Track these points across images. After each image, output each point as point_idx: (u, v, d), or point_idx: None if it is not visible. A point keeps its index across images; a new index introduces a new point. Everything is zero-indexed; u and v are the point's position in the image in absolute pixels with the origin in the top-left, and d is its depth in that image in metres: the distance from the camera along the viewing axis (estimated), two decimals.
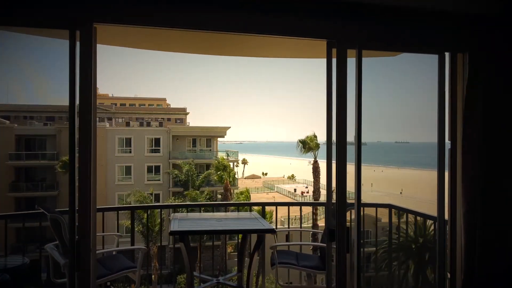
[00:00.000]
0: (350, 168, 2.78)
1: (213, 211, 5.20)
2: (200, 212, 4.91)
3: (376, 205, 4.39)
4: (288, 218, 5.06)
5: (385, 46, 2.82)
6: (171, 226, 3.50)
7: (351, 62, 2.93)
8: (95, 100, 2.50)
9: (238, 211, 5.19)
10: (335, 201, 2.73)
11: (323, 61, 2.80)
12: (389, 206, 4.33)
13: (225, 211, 5.39)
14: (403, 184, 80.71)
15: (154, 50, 4.02)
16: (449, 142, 3.01)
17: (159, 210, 30.97)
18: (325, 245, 3.50)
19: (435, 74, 3.05)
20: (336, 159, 2.68)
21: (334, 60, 2.74)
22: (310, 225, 23.76)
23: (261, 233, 3.55)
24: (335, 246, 2.72)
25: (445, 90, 2.93)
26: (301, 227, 4.90)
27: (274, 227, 3.84)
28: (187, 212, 4.53)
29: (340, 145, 2.67)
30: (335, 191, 2.72)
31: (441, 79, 2.92)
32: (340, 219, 2.66)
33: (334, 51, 2.70)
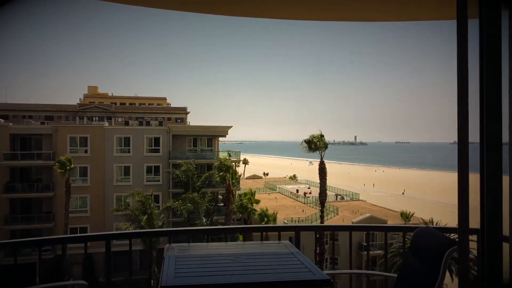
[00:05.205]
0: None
1: (225, 239, 3.79)
2: (206, 239, 3.64)
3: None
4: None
5: None
6: (163, 272, 2.31)
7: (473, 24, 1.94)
8: None
9: (262, 238, 3.80)
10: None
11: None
12: None
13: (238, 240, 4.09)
14: (405, 184, 79.97)
15: (148, 6, 2.99)
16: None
17: (158, 208, 29.79)
18: None
19: None
20: (483, 167, 1.68)
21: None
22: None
23: (312, 286, 2.27)
24: None
25: None
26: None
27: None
28: (189, 241, 3.16)
29: (491, 146, 1.67)
30: (479, 213, 1.71)
31: None
32: (493, 266, 1.64)
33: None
